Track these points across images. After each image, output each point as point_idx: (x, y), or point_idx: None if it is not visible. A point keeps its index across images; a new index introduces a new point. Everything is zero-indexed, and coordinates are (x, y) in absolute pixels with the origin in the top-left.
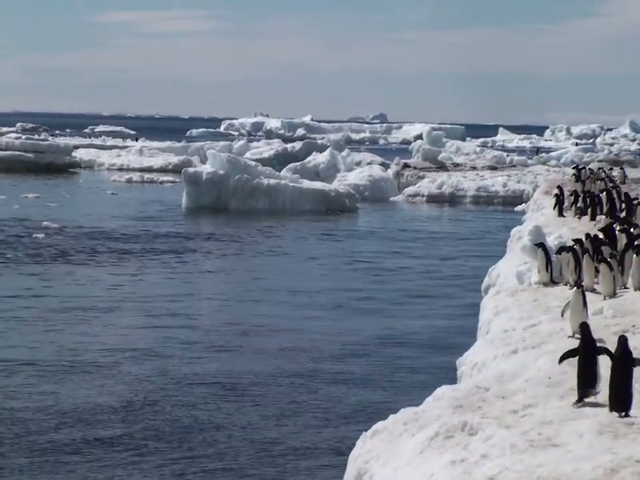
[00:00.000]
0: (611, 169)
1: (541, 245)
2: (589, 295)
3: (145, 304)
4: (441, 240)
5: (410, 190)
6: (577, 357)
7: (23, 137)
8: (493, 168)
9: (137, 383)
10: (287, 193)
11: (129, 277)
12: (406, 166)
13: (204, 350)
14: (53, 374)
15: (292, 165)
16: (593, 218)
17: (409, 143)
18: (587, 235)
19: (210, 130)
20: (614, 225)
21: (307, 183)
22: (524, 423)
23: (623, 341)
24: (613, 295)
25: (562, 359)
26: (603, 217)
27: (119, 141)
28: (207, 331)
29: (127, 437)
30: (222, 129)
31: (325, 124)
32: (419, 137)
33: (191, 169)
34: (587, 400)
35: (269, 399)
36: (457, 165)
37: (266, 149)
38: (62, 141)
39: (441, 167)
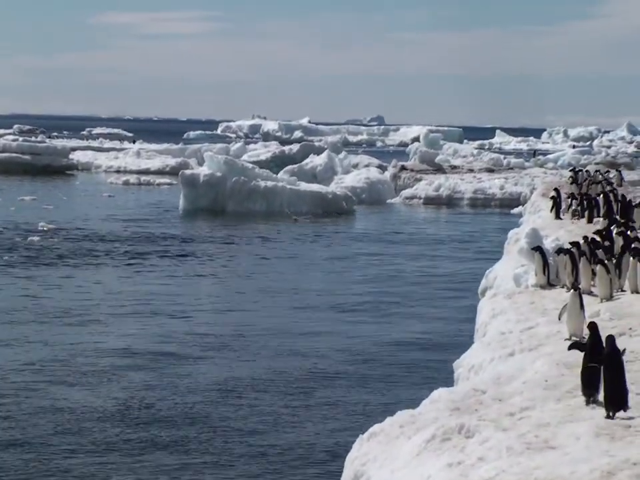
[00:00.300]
0: (608, 171)
1: (538, 248)
2: (585, 298)
3: (141, 306)
4: (438, 242)
5: (407, 192)
6: (582, 358)
7: (20, 138)
8: (490, 170)
9: (134, 386)
10: (284, 196)
11: (125, 280)
12: (403, 168)
13: (201, 353)
14: (49, 377)
15: (289, 167)
16: (590, 220)
17: (406, 145)
18: (585, 238)
19: (207, 132)
20: (612, 228)
21: (304, 185)
22: (521, 426)
23: (610, 340)
24: (610, 297)
25: (571, 347)
26: (600, 219)
27: (116, 143)
28: (204, 334)
29: (124, 440)
30: (219, 131)
31: (322, 126)
32: (416, 139)
33: (188, 171)
34: (593, 399)
35: (266, 401)
36: (454, 168)
37: (263, 151)
38: (59, 143)
39: (438, 169)
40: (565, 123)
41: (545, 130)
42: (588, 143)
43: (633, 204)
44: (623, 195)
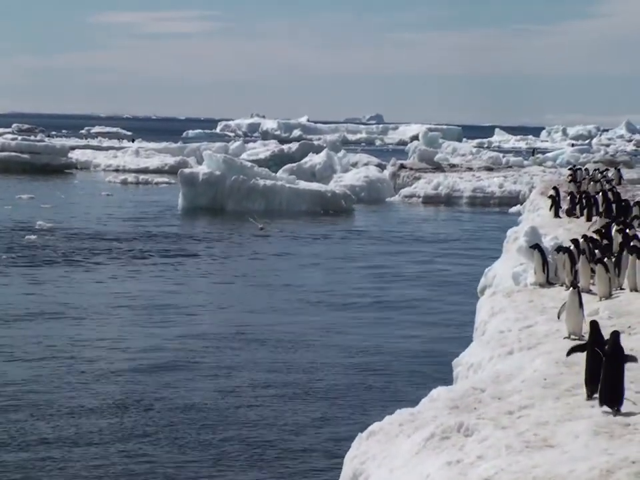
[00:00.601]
0: (607, 169)
1: (537, 246)
2: (584, 296)
3: (139, 305)
4: (436, 241)
5: (406, 191)
6: (585, 354)
7: (19, 137)
8: (489, 169)
9: (131, 385)
10: (283, 194)
11: (123, 278)
12: (402, 167)
13: (199, 351)
14: (44, 374)
15: (288, 165)
16: (589, 219)
17: (405, 143)
18: (584, 237)
19: (206, 131)
20: (611, 226)
21: (303, 184)
22: (520, 424)
23: (614, 337)
24: (609, 295)
25: (570, 352)
26: (599, 217)
27: (115, 142)
28: (202, 332)
29: (121, 439)
30: (218, 130)
31: (321, 125)
32: (415, 137)
33: (187, 170)
34: (595, 396)
35: (265, 400)
36: (453, 166)
37: (262, 149)
38: (58, 141)
39: (437, 167)
40: (563, 122)
41: (543, 128)
42: (587, 142)
43: (631, 203)
44: (618, 194)
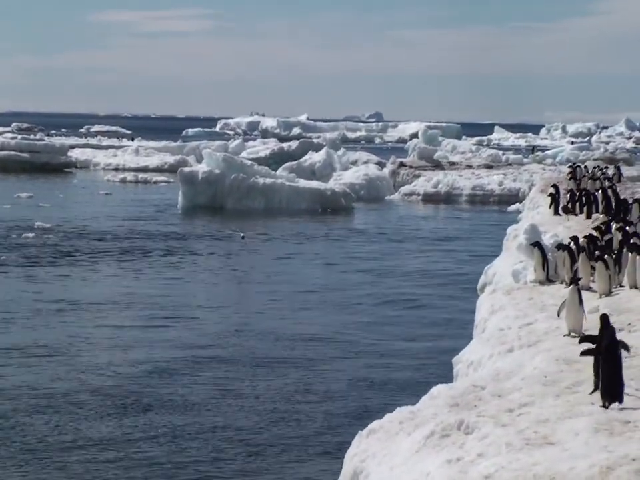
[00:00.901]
0: (606, 167)
1: (537, 244)
2: (584, 294)
3: (139, 304)
4: (436, 239)
5: (406, 189)
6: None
7: (19, 136)
8: (488, 166)
9: (130, 384)
10: (283, 192)
11: (122, 277)
12: (402, 165)
13: (197, 350)
14: (43, 373)
15: (288, 164)
16: (588, 216)
17: (404, 141)
18: (588, 235)
19: (206, 129)
20: (611, 224)
21: (302, 182)
22: (520, 422)
23: (611, 331)
24: (609, 293)
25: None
26: (599, 215)
27: (114, 141)
28: (201, 330)
29: (120, 437)
30: (218, 128)
31: (320, 123)
32: (415, 135)
33: (186, 169)
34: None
35: (264, 398)
36: (452, 164)
37: (262, 148)
38: (57, 140)
39: (437, 165)
40: (563, 119)
41: (543, 126)
42: (586, 139)
43: (629, 202)
44: (616, 192)
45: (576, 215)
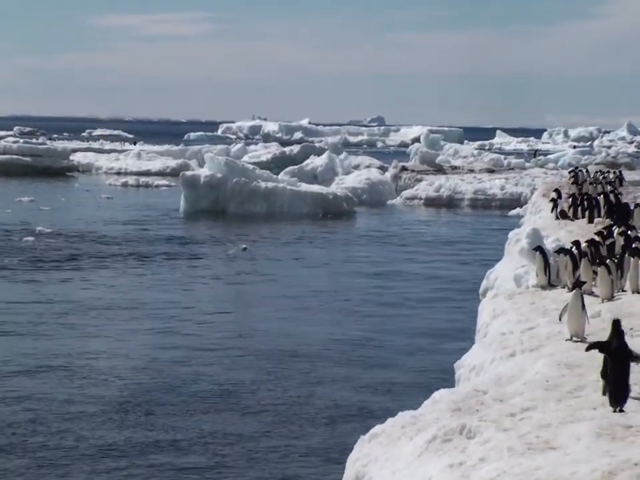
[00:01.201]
0: (608, 171)
1: (539, 248)
2: (586, 298)
3: (141, 308)
4: (438, 243)
5: (408, 193)
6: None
7: (21, 140)
8: (490, 171)
9: (132, 389)
10: (284, 197)
11: (124, 282)
12: (404, 169)
13: (200, 354)
14: (46, 379)
15: (290, 168)
16: (590, 221)
17: (406, 145)
18: (590, 239)
19: (208, 133)
20: (613, 228)
21: (304, 186)
22: (522, 426)
23: (619, 337)
24: (611, 297)
25: (589, 348)
26: (602, 219)
27: (117, 145)
28: (204, 336)
29: (122, 442)
30: (219, 132)
31: (322, 127)
32: (417, 139)
33: (188, 173)
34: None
35: (266, 403)
36: (454, 168)
37: (264, 152)
38: (60, 144)
39: (439, 169)
40: (565, 123)
41: (545, 130)
42: (588, 143)
43: (631, 206)
44: (617, 196)
45: (571, 219)
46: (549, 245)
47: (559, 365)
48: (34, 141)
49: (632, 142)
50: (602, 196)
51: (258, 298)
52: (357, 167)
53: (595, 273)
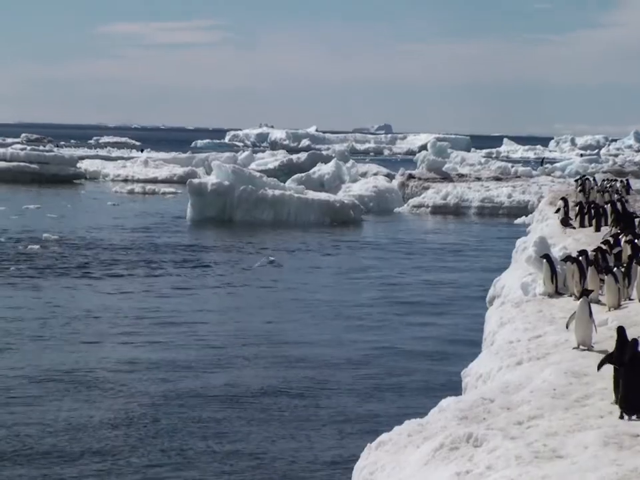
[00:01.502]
0: (614, 179)
1: (546, 256)
2: (593, 307)
3: (148, 316)
4: (445, 251)
5: (415, 201)
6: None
7: (28, 147)
8: (497, 179)
9: (137, 396)
10: (292, 204)
11: (131, 289)
12: (411, 177)
13: (207, 362)
14: (51, 388)
15: (297, 175)
16: (597, 229)
17: (413, 153)
18: (598, 248)
19: (215, 141)
20: (620, 237)
21: (311, 194)
22: (529, 435)
23: (633, 343)
24: (618, 306)
25: (601, 365)
26: (610, 228)
27: (124, 152)
28: (211, 344)
29: (127, 451)
30: (227, 139)
31: (329, 134)
32: (424, 147)
33: (195, 180)
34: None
35: (273, 411)
36: (461, 176)
37: (271, 159)
38: (67, 151)
39: (446, 177)
40: (572, 131)
41: (552, 138)
42: (595, 152)
43: (636, 214)
44: (624, 205)
45: (573, 227)
46: (556, 253)
47: (566, 373)
48: (41, 148)
49: (639, 150)
50: (609, 204)
51: (265, 305)
52: (364, 175)
53: (602, 281)
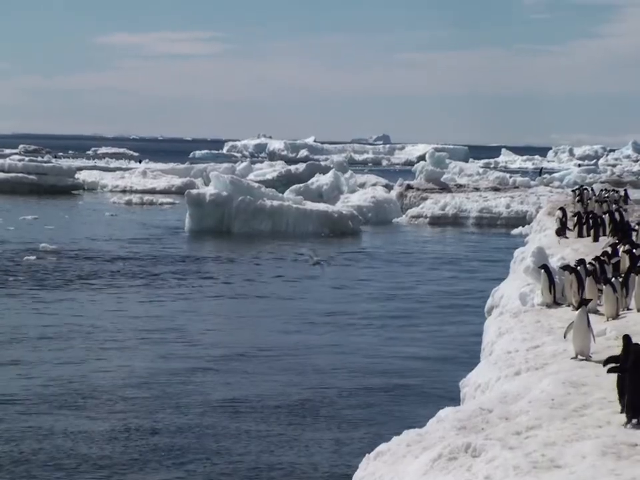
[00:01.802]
0: (614, 190)
1: (544, 267)
2: (591, 317)
3: (145, 327)
4: (443, 261)
5: (413, 211)
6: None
7: (26, 158)
8: (496, 189)
9: (136, 407)
10: (290, 215)
11: (128, 300)
12: (409, 187)
13: (205, 373)
14: (49, 399)
15: (295, 186)
16: (595, 239)
17: (411, 163)
18: (596, 258)
19: (213, 151)
20: (618, 247)
21: (310, 205)
22: (527, 445)
23: (637, 349)
24: (616, 316)
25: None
26: (607, 238)
27: (122, 163)
28: (209, 354)
29: (126, 461)
30: (225, 150)
31: (327, 145)
32: (422, 157)
33: (194, 191)
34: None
35: (271, 420)
36: (460, 186)
37: (269, 170)
38: (65, 162)
39: (444, 188)
40: (570, 142)
41: (550, 148)
42: (593, 162)
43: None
44: (622, 215)
45: (566, 237)
46: (554, 263)
47: (564, 383)
48: (39, 159)
49: (637, 160)
50: (607, 214)
51: (262, 316)
52: (362, 186)
53: (600, 291)
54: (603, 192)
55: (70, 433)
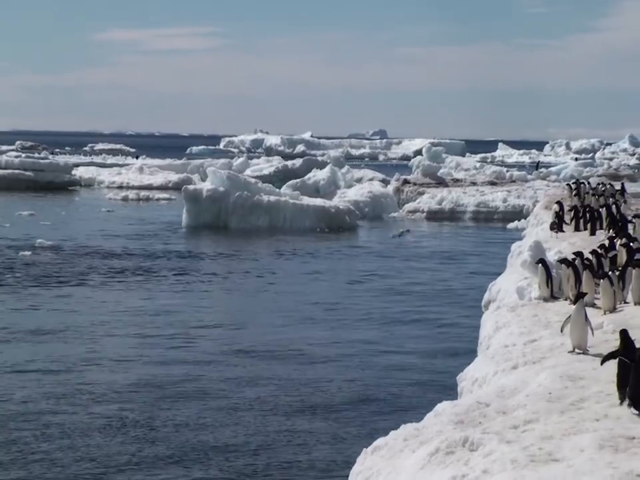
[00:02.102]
0: (610, 184)
1: (541, 261)
2: (588, 310)
3: (142, 324)
4: (440, 256)
5: (410, 206)
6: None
7: (23, 155)
8: (492, 183)
9: (133, 404)
10: (287, 210)
11: (125, 296)
12: (406, 182)
13: (203, 369)
14: (47, 395)
15: (292, 181)
16: (592, 233)
17: (408, 158)
18: (593, 251)
19: (210, 147)
20: (615, 240)
21: (307, 200)
22: (525, 438)
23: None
24: (613, 309)
25: (603, 361)
26: (604, 231)
27: (119, 159)
28: (207, 350)
29: (124, 457)
30: (222, 146)
31: (324, 140)
32: (419, 152)
33: (191, 187)
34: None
35: (268, 416)
36: (456, 181)
37: (266, 165)
38: (62, 159)
39: (441, 182)
40: (567, 136)
41: (547, 142)
42: (590, 155)
43: (629, 218)
44: (619, 208)
45: (557, 231)
46: (551, 257)
47: (562, 377)
48: (36, 155)
49: (634, 154)
50: (604, 208)
51: (260, 312)
52: (359, 180)
53: (597, 284)
54: (600, 185)
55: (67, 429)
